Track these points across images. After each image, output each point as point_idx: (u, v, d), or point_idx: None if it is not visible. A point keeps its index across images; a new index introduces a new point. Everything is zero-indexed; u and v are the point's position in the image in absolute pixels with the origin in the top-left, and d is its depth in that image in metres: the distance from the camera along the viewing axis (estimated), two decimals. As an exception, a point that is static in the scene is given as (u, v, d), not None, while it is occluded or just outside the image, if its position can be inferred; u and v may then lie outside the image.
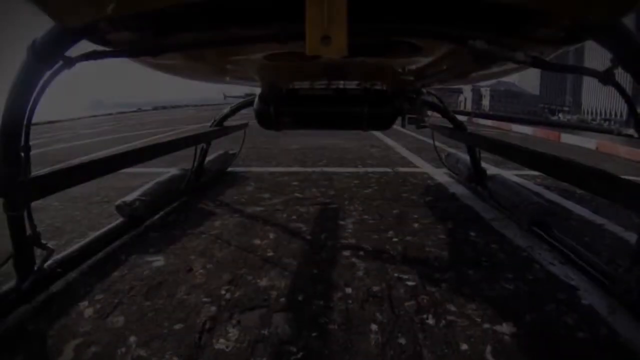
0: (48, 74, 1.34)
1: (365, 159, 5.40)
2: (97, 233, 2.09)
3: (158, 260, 2.01)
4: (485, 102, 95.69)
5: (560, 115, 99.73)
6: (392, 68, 2.20)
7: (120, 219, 2.33)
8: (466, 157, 3.45)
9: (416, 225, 2.62)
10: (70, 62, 1.34)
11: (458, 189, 3.58)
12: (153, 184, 2.76)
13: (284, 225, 2.61)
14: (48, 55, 1.29)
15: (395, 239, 2.37)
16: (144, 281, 1.78)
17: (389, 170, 4.54)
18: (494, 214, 2.83)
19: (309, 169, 4.52)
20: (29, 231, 1.48)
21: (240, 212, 2.88)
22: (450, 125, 3.29)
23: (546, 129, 12.26)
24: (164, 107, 56.90)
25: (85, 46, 1.36)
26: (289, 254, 2.12)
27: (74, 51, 1.36)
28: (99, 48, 1.39)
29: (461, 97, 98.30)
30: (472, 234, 2.47)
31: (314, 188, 3.62)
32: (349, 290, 1.72)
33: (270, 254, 2.14)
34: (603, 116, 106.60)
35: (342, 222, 2.67)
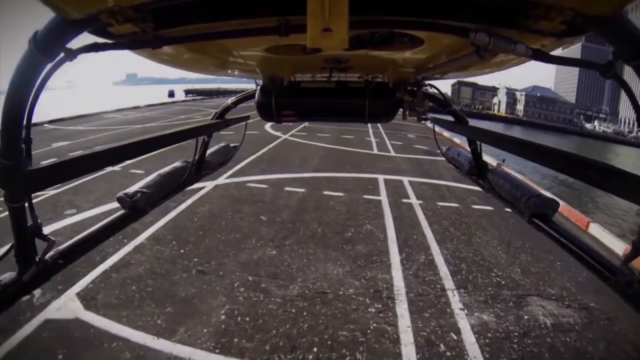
0: (49, 65, 1.32)
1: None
2: (99, 224, 2.06)
3: None
4: (520, 106, 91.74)
5: (597, 122, 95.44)
6: (393, 60, 2.20)
7: (122, 210, 2.30)
8: (466, 151, 3.39)
9: None
10: (71, 54, 1.32)
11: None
12: (155, 175, 2.68)
13: None
14: (49, 47, 1.27)
15: None
16: None
17: None
18: None
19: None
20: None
21: None
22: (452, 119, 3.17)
23: (575, 211, 9.77)
24: (194, 97, 54.93)
25: (88, 37, 1.37)
26: None
27: (77, 42, 1.35)
28: (101, 40, 1.38)
29: (495, 99, 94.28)
30: None
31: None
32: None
33: None
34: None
35: None
